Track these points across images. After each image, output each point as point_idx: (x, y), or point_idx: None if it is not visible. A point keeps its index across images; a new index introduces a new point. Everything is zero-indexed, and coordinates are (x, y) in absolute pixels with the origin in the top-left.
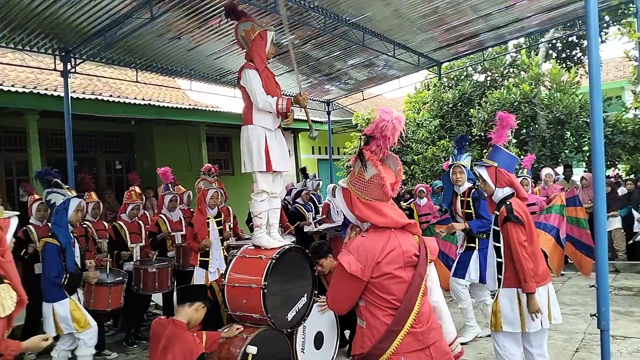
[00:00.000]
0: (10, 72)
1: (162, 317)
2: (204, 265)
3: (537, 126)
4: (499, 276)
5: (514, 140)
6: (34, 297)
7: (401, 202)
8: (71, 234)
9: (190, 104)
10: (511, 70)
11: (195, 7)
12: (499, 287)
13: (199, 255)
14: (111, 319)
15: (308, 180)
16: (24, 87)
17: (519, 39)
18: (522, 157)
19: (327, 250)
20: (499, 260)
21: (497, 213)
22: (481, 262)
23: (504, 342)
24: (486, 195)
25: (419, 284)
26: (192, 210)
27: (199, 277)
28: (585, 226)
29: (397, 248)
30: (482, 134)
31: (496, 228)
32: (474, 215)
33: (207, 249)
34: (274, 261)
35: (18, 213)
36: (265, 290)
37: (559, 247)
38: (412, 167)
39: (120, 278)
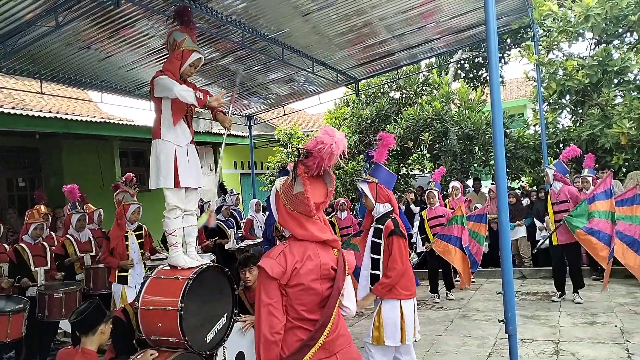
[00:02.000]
0: None
1: (69, 347)
2: (123, 280)
3: (448, 141)
4: (371, 287)
5: (428, 155)
6: None
7: None
8: None
9: (102, 117)
10: (424, 88)
11: (106, 17)
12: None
13: (117, 271)
14: (13, 349)
15: (227, 195)
16: None
17: (431, 59)
18: (434, 170)
19: (248, 260)
20: (375, 272)
21: (379, 226)
22: None
23: (376, 355)
24: (366, 209)
25: (336, 298)
26: (103, 229)
27: (117, 293)
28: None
29: (315, 259)
30: (398, 149)
31: (377, 240)
32: None
33: (128, 268)
34: (191, 281)
35: None
36: (182, 313)
37: (466, 257)
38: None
39: (22, 305)
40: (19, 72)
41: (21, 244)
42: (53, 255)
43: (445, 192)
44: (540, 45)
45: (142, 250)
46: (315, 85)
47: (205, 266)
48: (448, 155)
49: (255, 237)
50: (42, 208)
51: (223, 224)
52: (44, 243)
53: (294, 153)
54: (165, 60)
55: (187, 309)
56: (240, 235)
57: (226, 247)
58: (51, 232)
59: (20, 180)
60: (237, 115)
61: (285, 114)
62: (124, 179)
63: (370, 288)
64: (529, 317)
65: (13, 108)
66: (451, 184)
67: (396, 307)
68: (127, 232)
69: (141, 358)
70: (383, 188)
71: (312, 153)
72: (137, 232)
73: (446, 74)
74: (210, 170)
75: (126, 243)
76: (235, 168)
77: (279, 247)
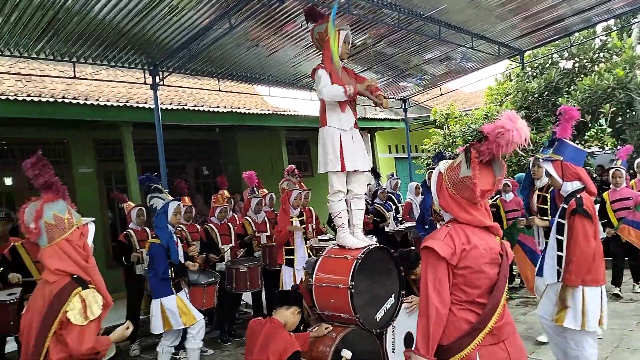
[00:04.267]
0: (105, 88)
1: (259, 318)
2: (290, 263)
3: (634, 113)
4: (558, 268)
5: (609, 130)
6: (135, 296)
7: None
8: (173, 234)
9: (269, 110)
10: (601, 54)
11: (270, 15)
12: (557, 279)
13: (284, 254)
14: (206, 317)
15: (380, 180)
16: (117, 101)
17: (608, 21)
18: (618, 147)
19: (417, 258)
20: (560, 254)
21: (565, 206)
22: None
23: (584, 342)
24: (555, 190)
25: (503, 283)
26: (275, 212)
27: (287, 275)
28: None
29: (483, 243)
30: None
31: (561, 221)
32: (549, 211)
33: (295, 232)
34: (359, 261)
35: (94, 219)
36: (353, 290)
37: None
38: None
39: (213, 279)
40: (200, 72)
41: (210, 225)
42: (236, 234)
43: (631, 171)
44: None
45: (304, 236)
46: (474, 62)
47: (372, 247)
48: (634, 129)
49: (414, 220)
50: (225, 193)
51: (381, 207)
52: (229, 223)
53: (453, 135)
54: (320, 53)
55: (357, 287)
56: (399, 218)
57: (386, 229)
58: (233, 214)
59: (204, 170)
60: (392, 98)
61: (441, 94)
62: (286, 170)
63: (558, 270)
64: None
65: (195, 105)
66: (637, 162)
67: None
68: (291, 217)
69: (317, 330)
70: (569, 165)
71: (489, 138)
72: (300, 218)
73: (629, 37)
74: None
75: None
76: (390, 152)
77: (443, 229)
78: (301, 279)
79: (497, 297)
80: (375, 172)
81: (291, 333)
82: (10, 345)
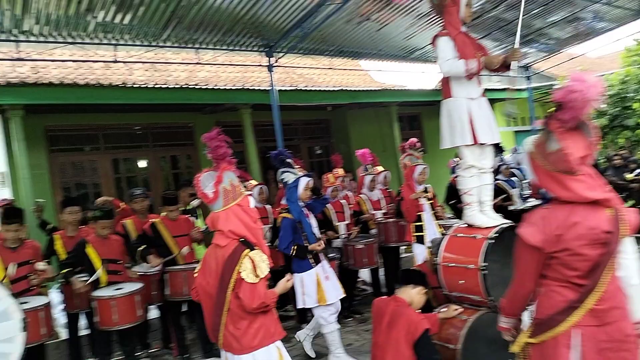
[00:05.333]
0: (222, 74)
1: (383, 297)
2: (421, 240)
3: None
4: None
5: None
6: None
7: (625, 174)
8: (304, 209)
9: (378, 86)
10: None
11: None
12: None
13: (413, 231)
14: None
15: (502, 155)
16: (233, 85)
17: None
18: None
19: None
20: None
21: None
22: None
23: None
24: None
25: (606, 263)
26: (389, 190)
27: (418, 252)
28: None
29: (582, 224)
30: None
31: None
32: None
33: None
34: (491, 241)
35: (252, 193)
36: (485, 272)
37: None
38: (636, 132)
39: (334, 254)
40: (312, 51)
41: None
42: (351, 212)
43: None
44: None
45: (433, 212)
46: (607, 21)
47: (504, 226)
48: None
49: (542, 198)
50: (340, 171)
51: (505, 184)
52: (342, 201)
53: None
54: (433, 23)
55: (489, 268)
56: (525, 195)
57: (509, 207)
58: (347, 192)
59: (317, 149)
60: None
61: (566, 60)
62: (407, 144)
63: None
64: None
65: (306, 86)
66: None
67: None
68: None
69: (445, 312)
70: None
71: (564, 105)
72: (426, 195)
73: None
74: None
75: (418, 203)
76: (509, 125)
77: (540, 211)
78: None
79: (595, 278)
80: (498, 146)
81: (418, 312)
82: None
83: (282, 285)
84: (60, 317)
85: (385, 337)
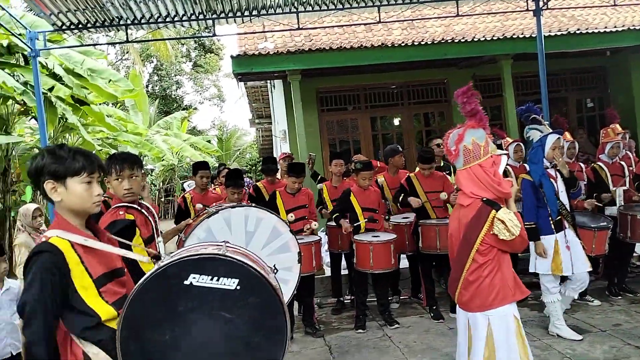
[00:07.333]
0: (480, 25)
1: None
2: None
3: None
4: None
5: None
6: None
7: None
8: (546, 170)
9: None
10: None
11: None
12: None
13: None
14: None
15: None
16: (493, 36)
17: None
18: None
19: None
20: None
21: None
22: None
23: None
24: None
25: None
26: None
27: None
28: None
29: None
30: None
31: None
32: None
33: None
34: None
35: (507, 152)
36: None
37: None
38: None
39: (605, 223)
40: None
41: (599, 163)
42: (632, 175)
43: None
44: None
45: None
46: None
47: None
48: None
49: None
50: (618, 127)
51: None
52: (622, 162)
53: None
54: None
55: None
56: None
57: None
58: (627, 152)
59: (588, 101)
60: None
61: None
62: None
63: None
64: None
65: (579, 29)
66: None
67: None
68: None
69: None
70: None
71: None
72: None
73: None
74: None
75: None
76: None
77: None
78: None
79: None
80: None
81: None
82: None
83: None
84: (325, 256)
85: None
